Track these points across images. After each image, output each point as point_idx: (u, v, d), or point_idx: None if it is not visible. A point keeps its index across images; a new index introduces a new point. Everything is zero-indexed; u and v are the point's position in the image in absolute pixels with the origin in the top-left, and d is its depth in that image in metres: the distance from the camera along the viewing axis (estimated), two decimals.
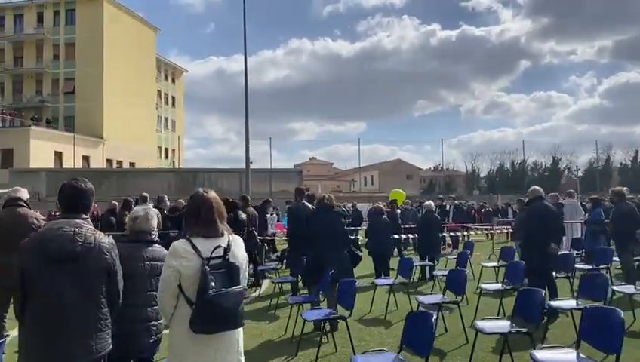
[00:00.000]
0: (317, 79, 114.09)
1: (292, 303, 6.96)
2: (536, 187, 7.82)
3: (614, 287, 7.47)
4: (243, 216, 9.89)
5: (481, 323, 5.26)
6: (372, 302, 8.32)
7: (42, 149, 42.01)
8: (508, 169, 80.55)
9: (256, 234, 10.15)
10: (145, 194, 10.86)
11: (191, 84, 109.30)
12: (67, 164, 44.47)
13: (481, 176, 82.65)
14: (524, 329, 4.91)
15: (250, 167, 37.18)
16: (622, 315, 3.91)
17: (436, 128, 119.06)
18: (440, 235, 11.76)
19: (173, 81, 68.48)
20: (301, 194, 9.86)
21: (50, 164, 42.36)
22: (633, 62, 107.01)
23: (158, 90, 64.04)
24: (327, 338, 6.54)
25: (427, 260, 10.89)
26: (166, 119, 66.04)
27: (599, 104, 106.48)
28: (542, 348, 4.34)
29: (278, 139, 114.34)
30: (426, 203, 11.82)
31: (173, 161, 55.90)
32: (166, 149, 65.56)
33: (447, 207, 18.49)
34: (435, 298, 6.79)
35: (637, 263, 9.70)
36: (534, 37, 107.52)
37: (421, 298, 6.87)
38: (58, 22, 50.27)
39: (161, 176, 39.03)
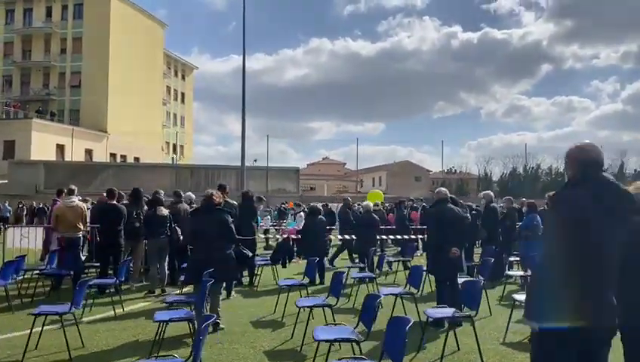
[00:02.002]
0: (336, 79, 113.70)
1: (167, 303, 6.72)
2: (442, 188, 7.46)
3: (515, 296, 7.09)
4: (164, 211, 9.67)
5: (321, 329, 4.97)
6: (276, 304, 8.03)
7: (44, 142, 42.46)
8: (520, 173, 79.35)
9: (178, 231, 9.91)
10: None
11: (212, 81, 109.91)
12: (69, 156, 44.91)
13: (494, 179, 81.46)
14: (353, 338, 4.61)
15: (247, 165, 37.17)
16: (407, 327, 3.58)
17: (456, 130, 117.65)
18: (377, 237, 11.40)
19: (183, 77, 68.86)
20: (222, 189, 9.61)
21: (51, 156, 42.85)
22: None
23: (168, 86, 64.43)
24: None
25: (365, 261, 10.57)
26: (175, 115, 66.42)
27: (622, 110, 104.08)
28: (343, 358, 4.03)
29: (296, 138, 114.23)
30: (364, 203, 11.49)
31: (172, 157, 56.14)
32: (174, 145, 65.93)
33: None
34: (313, 300, 6.50)
35: None
36: (557, 40, 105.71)
37: (300, 300, 6.57)
38: (66, 16, 50.82)
39: (158, 171, 39.14)
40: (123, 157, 50.99)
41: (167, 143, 63.97)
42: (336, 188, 72.77)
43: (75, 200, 10.22)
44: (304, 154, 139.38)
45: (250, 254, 7.66)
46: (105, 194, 9.63)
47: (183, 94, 68.29)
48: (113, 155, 50.11)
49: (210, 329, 6.88)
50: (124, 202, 9.97)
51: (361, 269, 10.21)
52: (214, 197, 7.12)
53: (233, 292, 9.38)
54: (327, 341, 4.63)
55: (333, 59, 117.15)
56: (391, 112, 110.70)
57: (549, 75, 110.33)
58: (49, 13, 51.15)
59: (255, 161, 52.44)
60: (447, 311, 5.93)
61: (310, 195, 50.46)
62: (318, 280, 10.84)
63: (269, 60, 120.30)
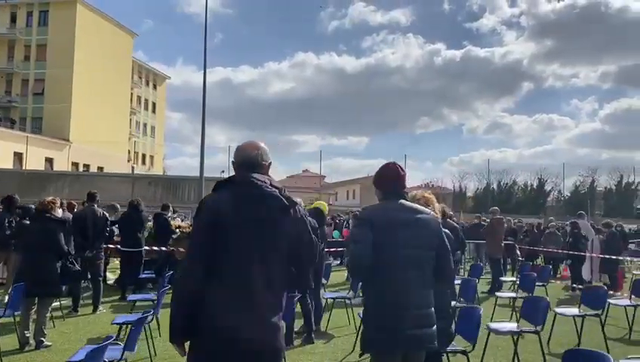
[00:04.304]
0: (321, 93, 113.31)
1: None
2: (298, 199, 7.04)
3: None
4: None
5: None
6: None
7: (0, 149, 41.54)
8: (494, 188, 79.74)
9: None
10: None
11: (196, 93, 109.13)
12: (29, 165, 43.95)
13: (469, 195, 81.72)
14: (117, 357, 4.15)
15: (210, 176, 36.56)
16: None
17: (438, 146, 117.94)
18: None
19: (154, 87, 68.24)
20: (92, 198, 9.14)
21: (9, 164, 41.88)
22: (636, 88, 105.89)
23: (138, 96, 63.79)
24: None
25: None
26: (145, 125, 65.71)
27: (600, 129, 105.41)
28: None
29: (280, 150, 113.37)
30: None
31: (133, 167, 55.28)
32: (143, 155, 65.15)
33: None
34: (125, 317, 6.04)
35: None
36: (537, 59, 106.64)
37: (117, 318, 6.11)
38: (31, 22, 50.16)
39: (116, 181, 38.37)
40: (86, 166, 50.10)
41: (136, 153, 63.19)
42: (309, 200, 72.46)
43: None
44: (288, 166, 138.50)
45: (79, 269, 7.14)
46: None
47: (154, 104, 67.64)
48: (75, 164, 49.18)
49: (33, 345, 6.42)
50: None
51: None
52: (44, 204, 6.63)
53: (101, 307, 8.88)
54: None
55: (318, 74, 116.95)
56: (375, 127, 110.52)
57: (530, 93, 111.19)
58: (13, 19, 50.45)
59: (222, 172, 51.81)
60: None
61: None
62: None
63: (255, 73, 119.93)
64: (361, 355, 4.10)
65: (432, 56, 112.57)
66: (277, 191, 2.65)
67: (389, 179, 3.52)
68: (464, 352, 4.65)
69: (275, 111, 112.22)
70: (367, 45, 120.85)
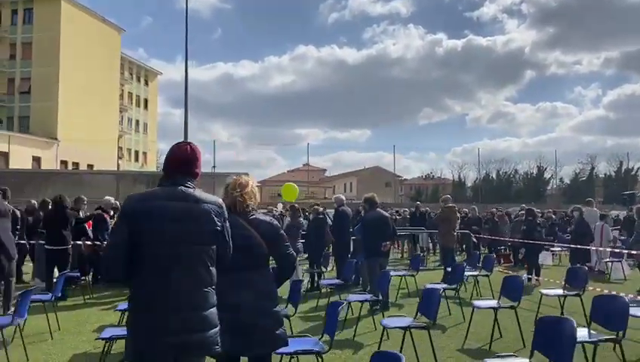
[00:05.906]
0: (323, 85, 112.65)
1: None
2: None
3: None
4: None
5: None
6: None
7: None
8: (493, 178, 79.26)
9: None
10: None
11: (197, 89, 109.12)
12: (15, 164, 43.63)
13: (468, 184, 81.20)
14: None
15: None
16: None
17: (442, 136, 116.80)
18: None
19: (146, 83, 67.72)
20: (2, 194, 8.67)
21: None
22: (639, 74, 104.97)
23: (129, 93, 63.34)
24: None
25: None
26: (137, 121, 65.28)
27: (604, 115, 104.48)
28: None
29: (283, 144, 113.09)
30: None
31: (118, 163, 54.85)
32: (136, 152, 64.78)
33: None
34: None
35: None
36: (539, 47, 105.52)
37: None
38: (16, 20, 49.71)
39: (101, 179, 38.05)
40: (75, 164, 49.71)
41: (129, 150, 62.84)
42: (304, 194, 71.99)
43: None
44: (291, 161, 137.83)
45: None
46: None
47: (146, 100, 67.14)
48: (64, 163, 48.84)
49: None
50: None
51: None
52: None
53: (13, 308, 8.45)
54: None
55: (319, 66, 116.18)
56: (377, 119, 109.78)
57: (532, 81, 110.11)
58: None
59: (214, 167, 51.39)
60: None
61: (274, 202, 49.54)
62: None
63: (255, 67, 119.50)
64: None
65: (434, 47, 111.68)
66: None
67: (174, 161, 3.04)
68: (318, 353, 4.16)
69: (277, 105, 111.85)
70: (367, 36, 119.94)
